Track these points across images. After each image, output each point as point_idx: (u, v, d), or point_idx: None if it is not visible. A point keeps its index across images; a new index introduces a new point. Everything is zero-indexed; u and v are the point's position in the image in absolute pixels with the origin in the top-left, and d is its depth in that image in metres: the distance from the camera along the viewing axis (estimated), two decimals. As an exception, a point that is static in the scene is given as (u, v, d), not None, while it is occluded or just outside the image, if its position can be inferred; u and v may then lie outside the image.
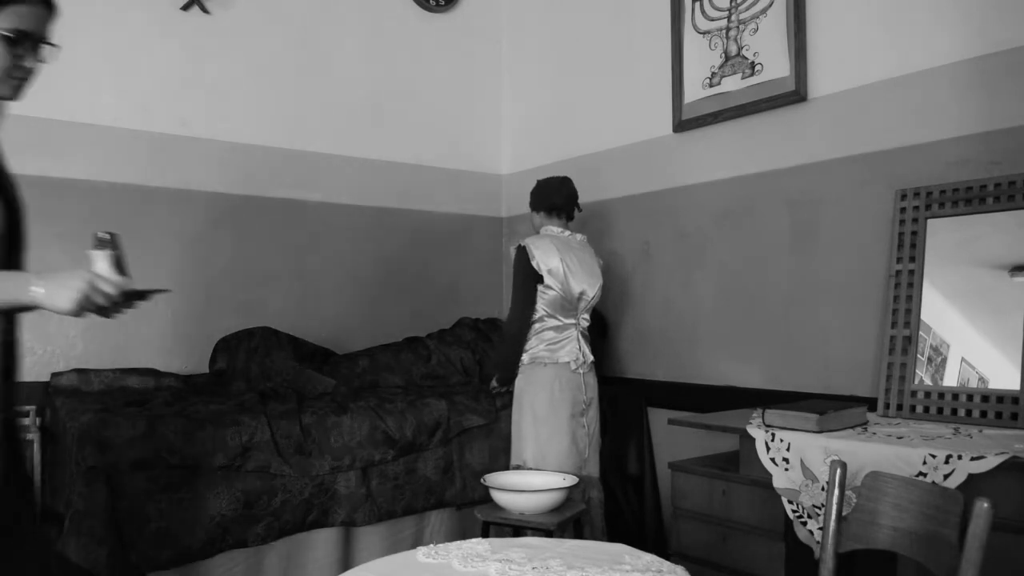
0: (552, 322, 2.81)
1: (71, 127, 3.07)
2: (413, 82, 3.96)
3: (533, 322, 2.81)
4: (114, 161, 3.15)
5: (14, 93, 1.44)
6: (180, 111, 3.31)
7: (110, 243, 1.42)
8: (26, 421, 2.89)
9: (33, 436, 2.66)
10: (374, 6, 3.85)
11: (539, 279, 2.78)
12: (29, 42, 1.40)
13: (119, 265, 1.43)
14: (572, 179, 3.01)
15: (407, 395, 3.01)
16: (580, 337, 2.84)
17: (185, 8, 3.30)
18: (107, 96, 3.15)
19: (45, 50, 1.43)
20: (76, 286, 1.32)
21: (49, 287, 1.31)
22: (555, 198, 2.93)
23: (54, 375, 2.92)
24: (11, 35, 1.37)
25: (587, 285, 2.84)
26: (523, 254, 2.80)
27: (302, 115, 3.62)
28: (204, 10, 3.33)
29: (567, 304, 2.81)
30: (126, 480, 2.25)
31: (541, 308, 2.81)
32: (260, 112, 3.50)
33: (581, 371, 2.80)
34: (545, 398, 2.75)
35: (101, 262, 1.39)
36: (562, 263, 2.77)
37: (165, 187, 3.27)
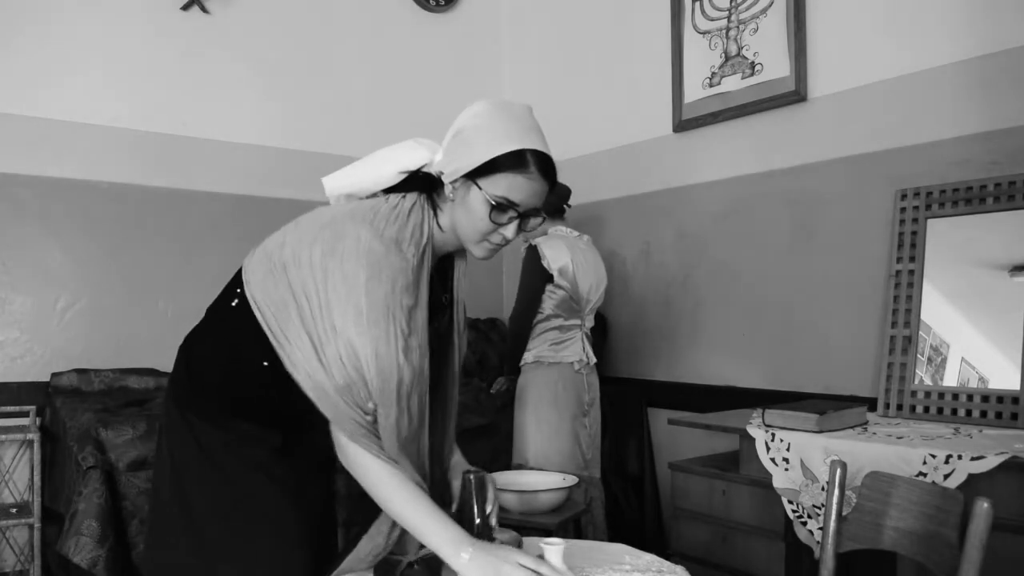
0: (557, 322, 2.80)
1: (71, 127, 3.06)
2: (413, 82, 3.95)
3: (538, 322, 2.81)
4: (114, 161, 3.15)
5: (486, 255, 1.36)
6: (180, 111, 3.31)
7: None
8: (26, 421, 2.89)
9: (33, 436, 2.66)
10: (374, 6, 3.85)
11: (549, 278, 2.77)
12: (514, 211, 1.30)
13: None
14: (566, 179, 3.00)
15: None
16: (584, 338, 2.84)
17: (185, 8, 3.30)
18: (107, 96, 3.14)
19: (530, 222, 1.33)
20: None
21: (476, 566, 1.19)
22: (555, 200, 2.92)
23: (54, 375, 2.92)
24: (495, 203, 1.28)
25: (594, 286, 2.84)
26: (534, 254, 2.79)
27: (302, 115, 3.61)
28: (204, 10, 3.33)
29: (574, 304, 2.80)
30: (126, 480, 2.26)
31: (548, 308, 2.80)
32: (260, 112, 3.50)
33: (584, 372, 2.80)
34: (548, 398, 2.74)
35: (554, 557, 1.22)
36: (572, 263, 2.77)
37: (165, 187, 3.26)
